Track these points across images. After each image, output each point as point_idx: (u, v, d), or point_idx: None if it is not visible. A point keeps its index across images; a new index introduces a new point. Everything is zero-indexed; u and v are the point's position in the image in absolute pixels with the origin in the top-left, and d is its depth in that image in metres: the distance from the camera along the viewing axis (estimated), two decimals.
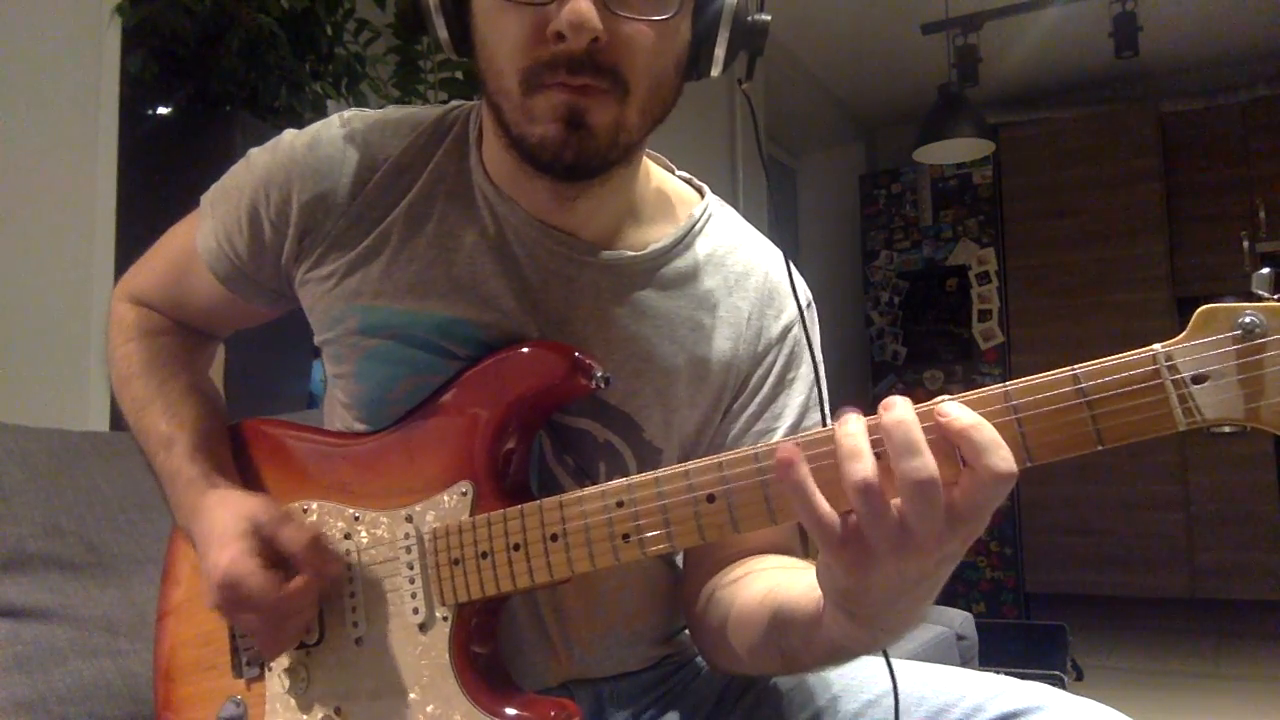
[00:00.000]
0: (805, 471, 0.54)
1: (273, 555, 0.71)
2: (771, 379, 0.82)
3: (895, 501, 0.52)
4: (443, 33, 0.71)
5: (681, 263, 0.81)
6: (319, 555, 0.72)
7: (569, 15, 0.63)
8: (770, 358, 0.82)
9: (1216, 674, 3.53)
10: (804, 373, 0.83)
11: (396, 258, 0.76)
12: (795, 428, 0.81)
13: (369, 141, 0.78)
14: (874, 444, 0.54)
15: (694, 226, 0.82)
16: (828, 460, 0.55)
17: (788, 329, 0.83)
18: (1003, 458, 0.51)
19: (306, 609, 0.72)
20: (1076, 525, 4.31)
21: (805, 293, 0.84)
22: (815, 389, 0.83)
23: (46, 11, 1.52)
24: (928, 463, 0.51)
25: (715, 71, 0.72)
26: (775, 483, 0.58)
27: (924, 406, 0.54)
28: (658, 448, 0.79)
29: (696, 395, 0.80)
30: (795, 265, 0.88)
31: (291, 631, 0.73)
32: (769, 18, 0.72)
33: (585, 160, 0.69)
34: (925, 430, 0.52)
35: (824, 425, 0.81)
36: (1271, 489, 4.01)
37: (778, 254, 0.85)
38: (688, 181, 0.87)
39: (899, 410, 0.53)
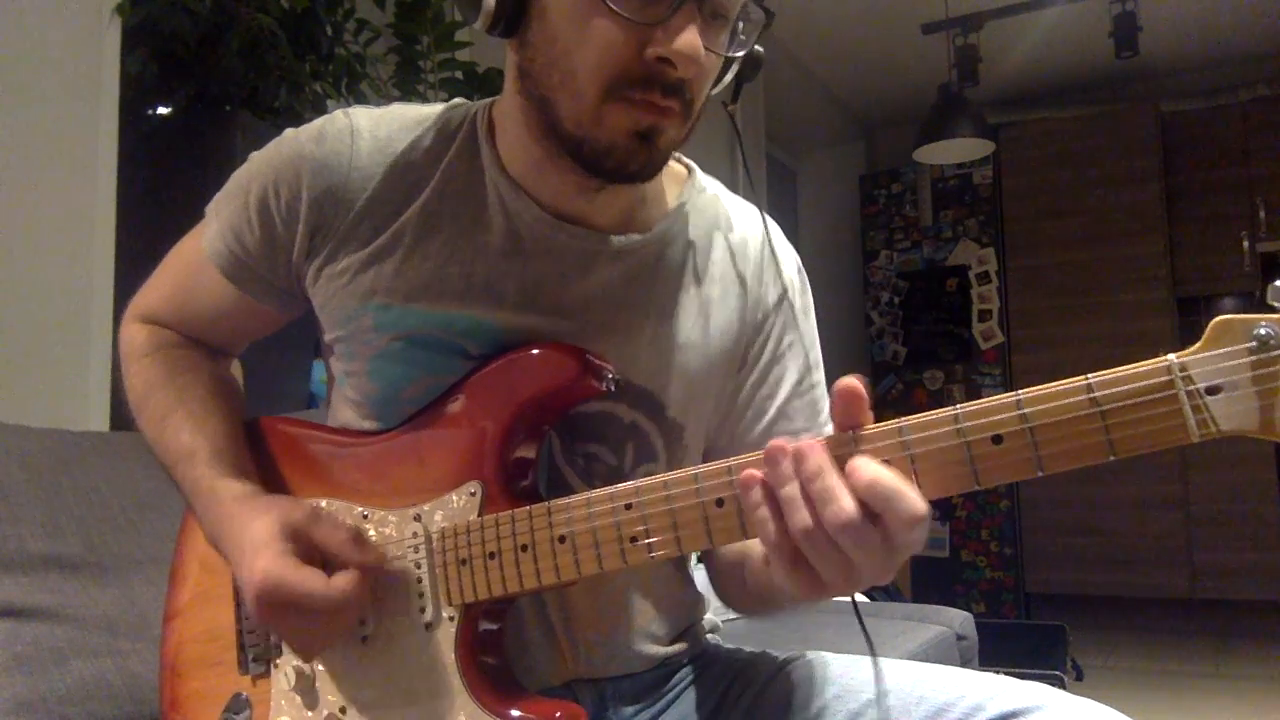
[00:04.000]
0: (759, 495, 0.58)
1: (309, 555, 0.70)
2: (770, 346, 0.85)
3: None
4: (490, 1, 0.70)
5: (685, 239, 0.83)
6: (359, 548, 0.70)
7: (685, 48, 0.65)
8: (768, 325, 0.85)
9: (1216, 674, 3.53)
10: (798, 337, 0.86)
11: (410, 257, 0.76)
12: (794, 389, 0.85)
13: (375, 135, 0.78)
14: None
15: (690, 202, 0.85)
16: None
17: (782, 296, 0.86)
18: (906, 506, 0.55)
19: (354, 605, 0.69)
20: (1076, 525, 4.31)
21: (794, 258, 0.89)
22: (811, 352, 0.87)
23: (46, 11, 1.52)
24: (844, 506, 0.55)
25: (714, 91, 0.77)
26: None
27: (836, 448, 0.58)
28: (681, 424, 0.81)
29: (712, 367, 0.82)
30: None
31: (339, 630, 0.71)
32: (762, 49, 0.77)
33: (645, 172, 0.72)
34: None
35: (825, 387, 0.86)
36: (1271, 489, 4.01)
37: (769, 221, 0.89)
38: (675, 158, 0.89)
39: (813, 460, 0.56)
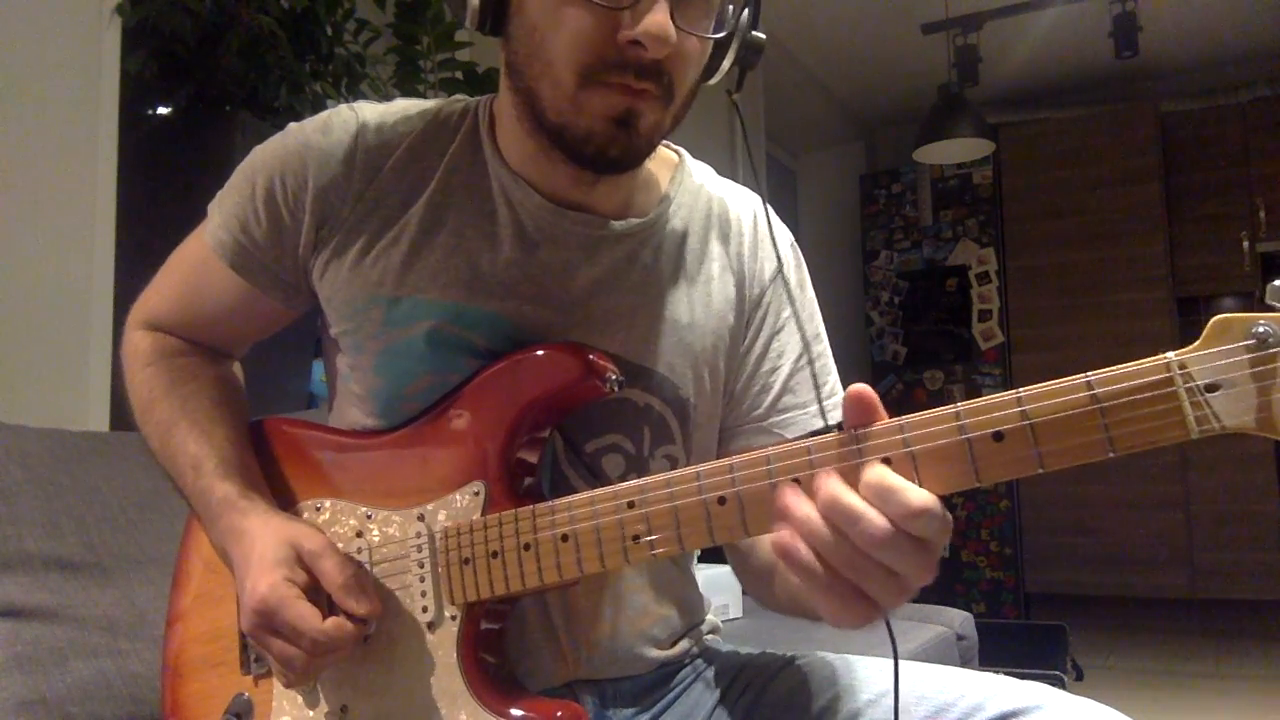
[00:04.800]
0: (808, 556, 0.56)
1: (313, 587, 0.70)
2: (770, 319, 0.86)
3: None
4: (474, 1, 0.71)
5: (681, 220, 0.84)
6: (356, 594, 0.70)
7: (652, 28, 0.65)
8: (766, 299, 0.86)
9: (1216, 674, 3.53)
10: (795, 311, 0.87)
11: (418, 249, 0.77)
12: (796, 363, 0.86)
13: (381, 128, 0.79)
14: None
15: (682, 185, 0.86)
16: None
17: (777, 271, 0.87)
18: (900, 501, 0.54)
19: (339, 649, 0.69)
20: (1076, 525, 4.31)
21: (786, 233, 0.89)
22: (810, 325, 0.88)
23: (46, 11, 1.52)
24: (872, 521, 0.54)
25: (713, 81, 0.77)
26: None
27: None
28: (693, 403, 0.82)
29: (718, 343, 0.83)
30: None
31: (323, 666, 0.71)
32: (764, 36, 0.77)
33: (627, 157, 0.72)
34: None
35: (829, 357, 0.88)
36: (1271, 489, 4.01)
37: (757, 199, 0.90)
38: (665, 145, 0.90)
39: (828, 488, 0.55)
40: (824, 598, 0.57)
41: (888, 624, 0.67)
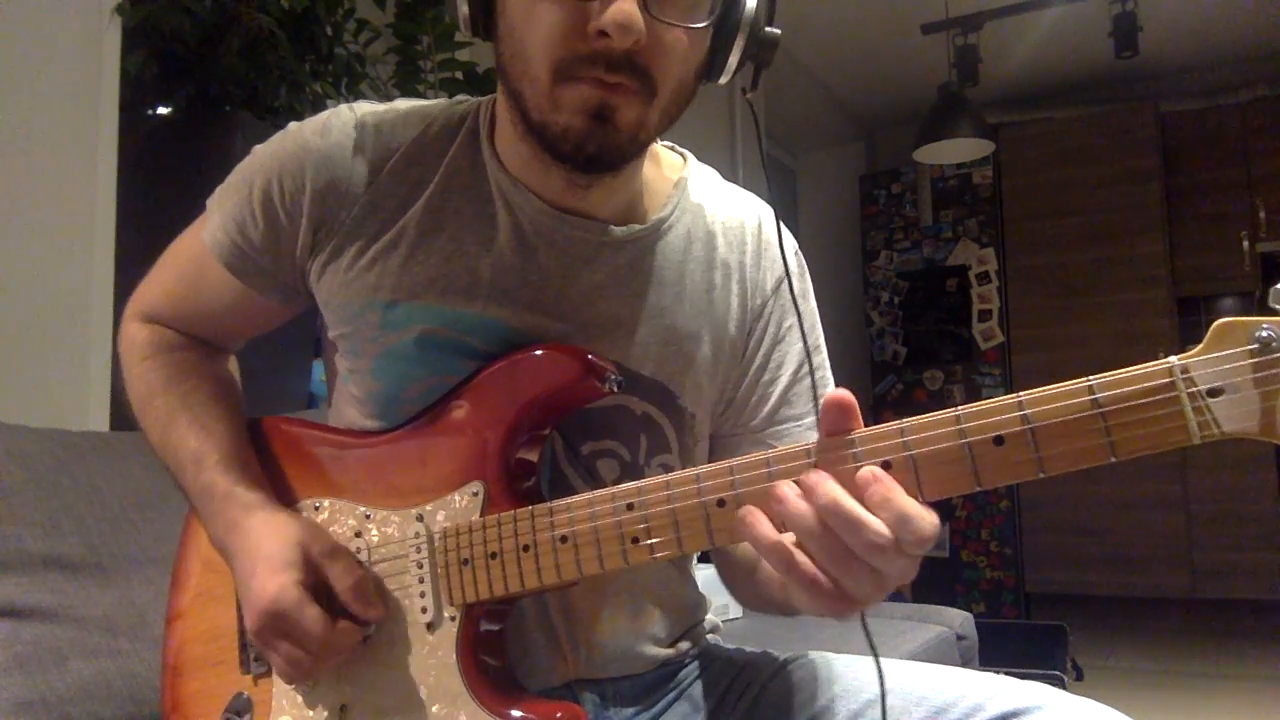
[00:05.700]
0: (785, 544, 0.58)
1: (319, 588, 0.71)
2: (770, 330, 0.86)
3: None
4: (464, 8, 0.71)
5: (684, 227, 0.83)
6: (365, 598, 0.71)
7: (616, 16, 0.64)
8: (768, 309, 0.86)
9: (1216, 674, 3.53)
10: (797, 321, 0.86)
11: (415, 253, 0.76)
12: (795, 374, 0.85)
13: (380, 130, 0.78)
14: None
15: (687, 191, 0.85)
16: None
17: (780, 280, 0.86)
18: (918, 528, 0.55)
19: (345, 650, 0.71)
20: (1076, 525, 4.31)
21: (791, 241, 0.87)
22: (811, 335, 0.87)
23: (46, 11, 1.52)
24: (879, 531, 0.55)
25: (723, 80, 0.75)
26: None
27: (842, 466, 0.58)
28: (691, 412, 0.82)
29: (718, 354, 0.83)
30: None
31: (326, 668, 0.72)
32: (779, 32, 0.74)
33: (606, 154, 0.70)
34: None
35: (827, 369, 0.87)
36: (1271, 489, 4.01)
37: (763, 206, 0.89)
38: (670, 148, 0.89)
39: (825, 490, 0.56)
40: (803, 590, 0.58)
41: (866, 629, 0.68)
